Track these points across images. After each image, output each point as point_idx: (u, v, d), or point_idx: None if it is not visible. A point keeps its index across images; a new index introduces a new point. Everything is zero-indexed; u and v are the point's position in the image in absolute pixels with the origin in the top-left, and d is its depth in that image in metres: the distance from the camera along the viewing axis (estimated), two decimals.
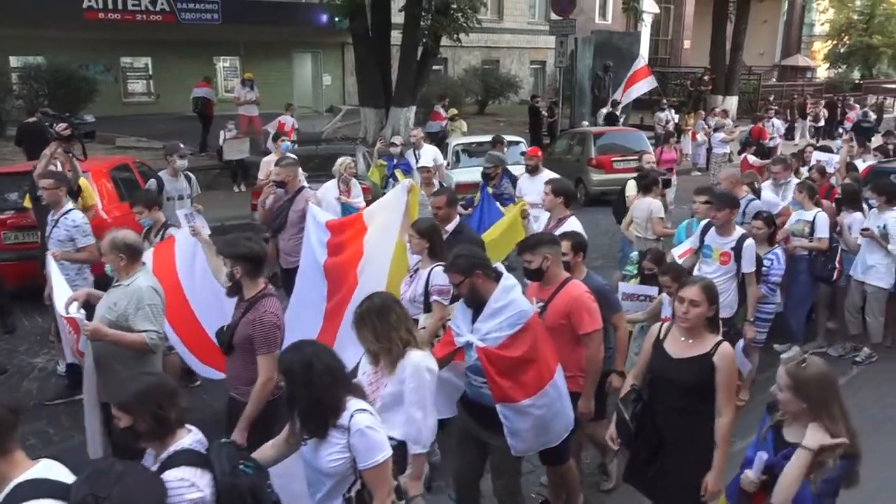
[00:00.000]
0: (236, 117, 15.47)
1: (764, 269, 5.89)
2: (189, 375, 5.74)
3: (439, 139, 14.59)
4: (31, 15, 17.23)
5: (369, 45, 16.85)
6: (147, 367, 3.94)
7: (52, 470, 2.37)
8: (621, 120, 18.64)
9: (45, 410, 5.84)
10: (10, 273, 7.60)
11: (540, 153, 7.88)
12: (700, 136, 17.57)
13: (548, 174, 7.88)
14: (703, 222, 5.88)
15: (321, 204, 7.36)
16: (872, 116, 23.71)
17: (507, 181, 8.16)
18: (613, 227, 9.01)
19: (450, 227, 5.43)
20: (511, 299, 3.59)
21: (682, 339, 3.54)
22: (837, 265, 6.73)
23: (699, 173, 17.19)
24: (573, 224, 5.90)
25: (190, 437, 2.66)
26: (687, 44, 33.87)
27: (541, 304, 4.05)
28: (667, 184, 9.55)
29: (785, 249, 6.43)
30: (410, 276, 4.83)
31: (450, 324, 3.97)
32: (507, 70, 27.83)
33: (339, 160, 7.85)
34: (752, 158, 11.35)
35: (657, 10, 32.14)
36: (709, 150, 17.17)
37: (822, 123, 24.07)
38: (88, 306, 4.18)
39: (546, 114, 19.36)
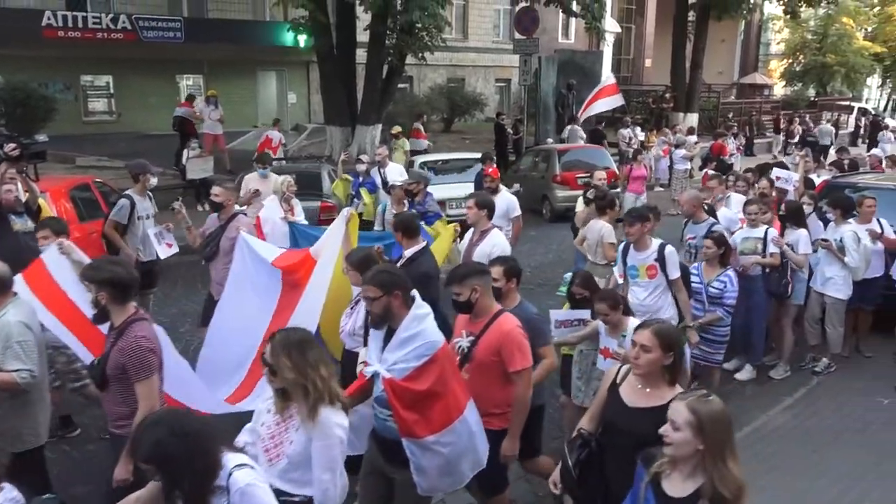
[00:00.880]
0: (200, 136, 15.32)
1: (717, 291, 5.92)
2: (66, 426, 5.57)
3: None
4: None
5: (334, 63, 16.85)
6: (25, 407, 3.83)
7: None
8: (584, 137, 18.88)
9: None
10: None
11: (498, 174, 7.83)
12: (656, 150, 17.86)
13: (506, 195, 7.86)
14: (622, 245, 5.84)
15: (266, 224, 7.24)
16: (815, 129, 25.04)
17: (432, 198, 8.03)
18: None
19: (408, 252, 5.34)
20: (421, 329, 3.42)
21: (639, 386, 3.25)
22: (790, 280, 6.78)
23: (662, 189, 17.46)
24: (496, 237, 5.99)
25: (1, 496, 2.57)
26: (648, 62, 34.49)
27: (471, 337, 3.92)
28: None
29: (739, 270, 6.44)
30: (351, 308, 4.67)
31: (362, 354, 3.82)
32: (473, 88, 28.03)
33: (280, 179, 7.70)
34: (712, 174, 11.55)
35: (619, 30, 32.74)
36: (671, 166, 17.47)
37: (796, 139, 24.83)
38: None
39: (511, 131, 19.53)
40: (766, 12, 37.50)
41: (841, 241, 6.81)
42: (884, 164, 11.98)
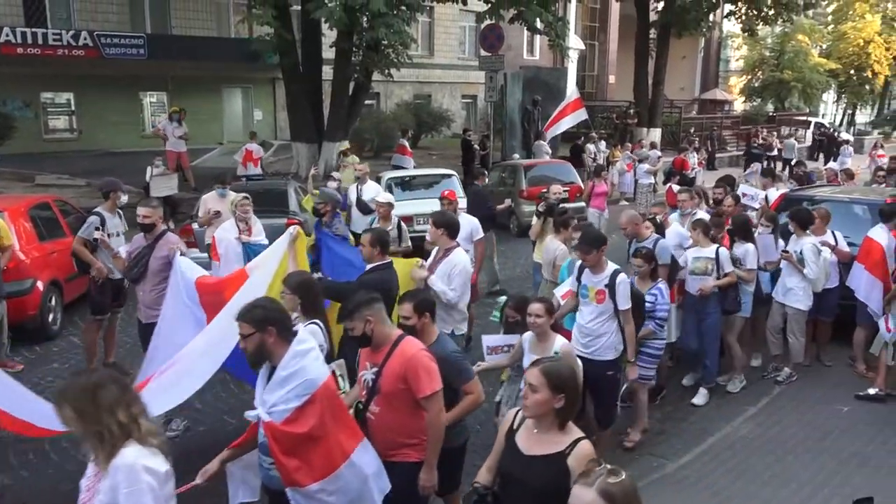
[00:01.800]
0: (164, 153, 15.14)
1: (649, 304, 5.77)
2: None
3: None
4: None
5: (300, 80, 16.81)
6: None
7: None
8: (549, 152, 19.11)
9: None
10: None
11: (456, 196, 7.63)
12: (620, 165, 18.12)
13: (467, 218, 7.65)
14: (579, 262, 5.70)
15: (220, 245, 7.07)
16: (782, 143, 26.28)
17: (340, 219, 7.81)
18: None
19: (368, 266, 5.37)
20: (301, 366, 3.19)
21: (535, 430, 2.96)
22: (740, 296, 6.71)
23: (627, 203, 17.70)
24: (456, 256, 5.93)
25: None
26: (612, 79, 35.07)
27: (375, 369, 3.68)
28: None
29: (696, 294, 6.43)
30: None
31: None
32: (440, 104, 28.21)
33: (231, 197, 7.36)
34: (675, 188, 11.75)
35: (583, 47, 33.25)
36: (636, 180, 17.74)
37: (774, 153, 25.54)
38: None
39: (478, 147, 19.65)
40: (724, 30, 38.47)
41: (801, 253, 6.96)
42: (839, 178, 12.31)
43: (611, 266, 5.33)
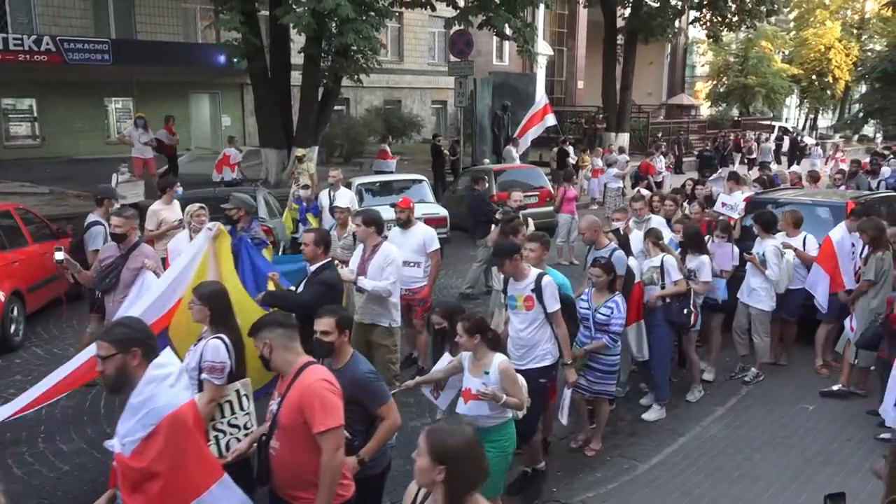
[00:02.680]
0: (129, 160, 14.90)
1: (604, 318, 5.58)
2: None
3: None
4: None
5: (269, 85, 16.69)
6: None
7: None
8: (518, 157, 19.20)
9: None
10: None
11: (412, 204, 7.19)
12: (587, 171, 18.33)
13: (422, 228, 7.24)
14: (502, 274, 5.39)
15: (173, 256, 6.65)
16: (759, 147, 27.35)
17: (257, 224, 7.53)
18: None
19: (313, 267, 5.32)
20: (152, 393, 2.87)
21: None
22: (693, 308, 6.49)
23: (597, 207, 17.87)
24: (388, 247, 6.00)
25: None
26: (581, 84, 35.39)
27: (279, 399, 3.35)
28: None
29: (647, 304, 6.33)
30: (195, 345, 4.06)
31: None
32: (409, 110, 28.23)
33: (188, 207, 6.95)
34: (643, 192, 11.89)
35: (551, 53, 33.54)
36: (605, 184, 17.92)
37: (754, 155, 26.06)
38: None
39: (448, 152, 19.68)
40: (690, 36, 39.08)
41: (763, 255, 7.08)
42: (803, 181, 12.57)
43: (534, 271, 5.18)
